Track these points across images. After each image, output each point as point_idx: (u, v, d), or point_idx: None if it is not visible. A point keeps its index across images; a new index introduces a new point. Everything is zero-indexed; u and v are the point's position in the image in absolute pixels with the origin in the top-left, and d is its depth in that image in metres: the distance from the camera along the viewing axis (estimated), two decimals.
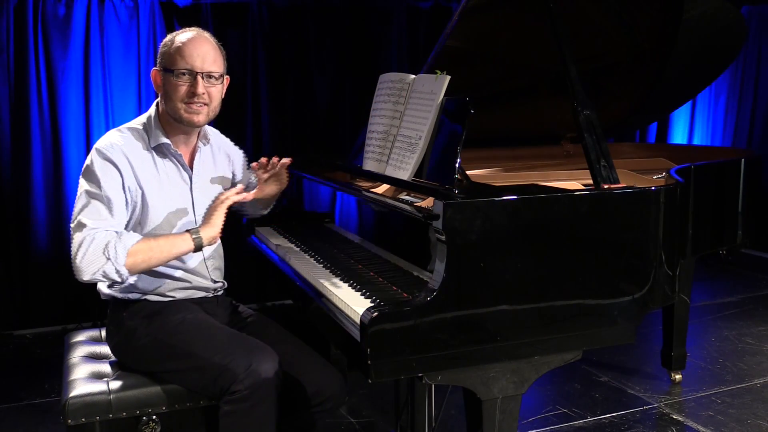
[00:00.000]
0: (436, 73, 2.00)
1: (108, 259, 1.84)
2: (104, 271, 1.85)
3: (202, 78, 1.99)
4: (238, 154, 2.34)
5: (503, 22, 2.70)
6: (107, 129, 4.01)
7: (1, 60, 3.81)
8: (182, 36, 2.02)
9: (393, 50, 4.59)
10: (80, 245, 1.85)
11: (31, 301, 4.04)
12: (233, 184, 2.26)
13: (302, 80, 4.44)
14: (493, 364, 1.77)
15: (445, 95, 1.97)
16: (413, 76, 2.14)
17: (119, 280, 1.89)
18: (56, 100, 3.93)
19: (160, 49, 2.04)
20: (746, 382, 3.34)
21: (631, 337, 1.91)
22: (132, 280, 2.03)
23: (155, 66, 2.05)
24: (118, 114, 4.06)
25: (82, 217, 1.90)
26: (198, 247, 1.99)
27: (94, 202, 1.92)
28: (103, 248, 1.85)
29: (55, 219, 4.02)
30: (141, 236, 1.94)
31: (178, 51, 1.98)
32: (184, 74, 1.98)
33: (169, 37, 2.05)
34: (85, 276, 1.86)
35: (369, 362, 1.60)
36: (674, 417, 3.00)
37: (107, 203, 1.93)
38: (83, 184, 1.95)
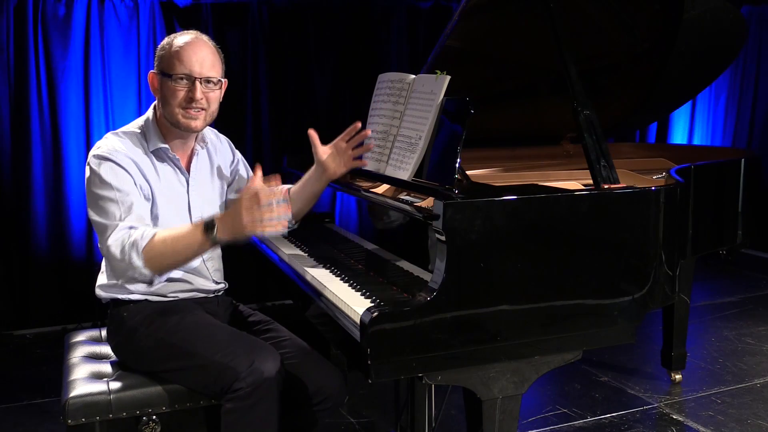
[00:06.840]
0: (436, 73, 2.00)
1: (130, 263, 1.85)
2: (132, 276, 1.88)
3: (201, 83, 1.97)
4: (237, 157, 2.33)
5: (503, 22, 2.70)
6: (107, 129, 4.01)
7: (1, 60, 3.81)
8: (180, 39, 2.00)
9: (393, 50, 4.59)
10: (107, 255, 1.89)
11: (31, 301, 4.04)
12: (237, 189, 2.25)
13: (302, 80, 4.43)
14: (493, 364, 1.77)
15: (445, 95, 1.97)
16: (413, 76, 2.14)
17: (148, 280, 1.91)
18: (56, 100, 3.93)
19: (158, 52, 2.02)
20: (746, 382, 3.34)
21: (631, 337, 1.91)
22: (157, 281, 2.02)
23: (153, 69, 2.04)
24: (118, 114, 4.05)
25: (100, 223, 1.90)
26: (214, 244, 1.87)
27: (108, 205, 1.90)
28: (119, 254, 1.85)
29: (55, 219, 4.02)
30: (153, 232, 1.87)
31: (176, 55, 1.96)
32: (182, 79, 1.96)
33: (166, 40, 2.02)
34: (123, 282, 1.95)
35: (369, 362, 1.60)
36: (674, 417, 3.00)
37: (121, 202, 1.90)
38: (93, 191, 1.92)
